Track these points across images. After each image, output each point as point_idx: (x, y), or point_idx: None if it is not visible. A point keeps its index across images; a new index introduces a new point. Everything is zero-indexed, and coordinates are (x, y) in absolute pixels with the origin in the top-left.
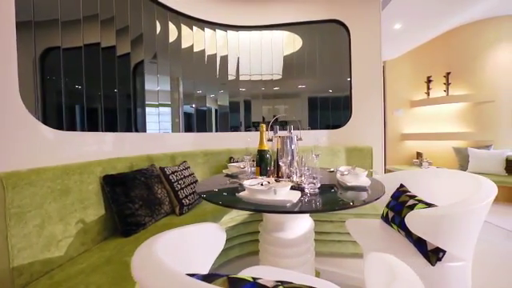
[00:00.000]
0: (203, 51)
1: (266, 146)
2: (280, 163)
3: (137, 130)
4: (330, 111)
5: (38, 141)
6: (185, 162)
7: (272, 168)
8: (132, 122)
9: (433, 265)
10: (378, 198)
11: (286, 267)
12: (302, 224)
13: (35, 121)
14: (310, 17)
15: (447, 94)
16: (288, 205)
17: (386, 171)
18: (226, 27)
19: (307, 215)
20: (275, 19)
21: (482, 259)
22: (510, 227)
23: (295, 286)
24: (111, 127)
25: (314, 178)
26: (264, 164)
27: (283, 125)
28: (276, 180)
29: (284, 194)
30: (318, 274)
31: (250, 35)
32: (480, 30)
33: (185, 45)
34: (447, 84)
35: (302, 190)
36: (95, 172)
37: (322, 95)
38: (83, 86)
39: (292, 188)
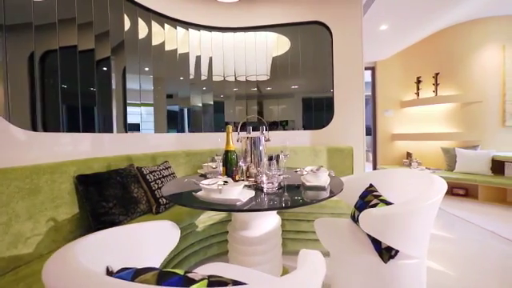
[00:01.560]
0: (187, 54)
1: (233, 146)
2: (240, 163)
3: (126, 129)
4: (314, 112)
5: (7, 142)
6: (166, 162)
7: (237, 168)
8: (112, 121)
9: (385, 262)
10: (325, 199)
11: (253, 265)
12: (269, 222)
13: (5, 122)
14: (293, 19)
15: (436, 95)
16: (238, 203)
17: None
18: (211, 29)
19: (274, 213)
20: (259, 21)
21: (464, 258)
22: (490, 227)
23: (221, 280)
24: (89, 128)
25: (271, 178)
26: (229, 164)
27: (277, 125)
28: (237, 180)
29: (236, 193)
30: (285, 271)
31: (235, 37)
32: (467, 32)
33: (171, 47)
34: (436, 85)
35: (261, 189)
36: (68, 172)
37: (307, 96)
38: (58, 86)
39: (254, 188)
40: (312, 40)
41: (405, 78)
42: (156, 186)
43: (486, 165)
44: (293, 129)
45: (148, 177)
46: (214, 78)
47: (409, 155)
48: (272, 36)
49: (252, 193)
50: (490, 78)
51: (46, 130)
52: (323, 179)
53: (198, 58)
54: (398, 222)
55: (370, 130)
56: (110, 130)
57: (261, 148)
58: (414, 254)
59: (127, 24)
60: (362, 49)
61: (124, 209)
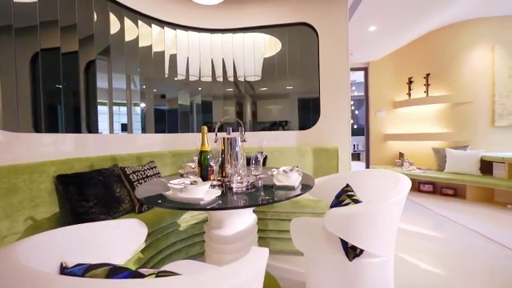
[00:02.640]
0: (175, 55)
1: (208, 147)
2: (211, 163)
3: (111, 130)
4: (302, 112)
5: None
6: (152, 162)
7: (213, 168)
8: (97, 122)
9: (350, 260)
10: (289, 198)
11: (228, 262)
12: (244, 221)
13: None
14: (280, 20)
15: (427, 95)
16: (201, 203)
17: None
18: (200, 30)
19: (250, 212)
20: (246, 23)
21: (450, 258)
22: (475, 227)
23: (167, 273)
24: (72, 128)
25: (241, 178)
26: (204, 164)
27: (274, 125)
28: (212, 179)
29: (200, 192)
30: None
31: (223, 38)
32: (457, 33)
33: (159, 49)
34: (427, 85)
35: (230, 188)
36: (48, 172)
37: (295, 97)
38: (39, 87)
39: (226, 187)
40: (300, 41)
41: (397, 78)
42: (139, 185)
43: (474, 165)
44: (283, 128)
45: (131, 176)
46: (203, 79)
47: (401, 155)
48: (259, 37)
49: (218, 192)
50: (480, 79)
51: (26, 130)
52: (293, 179)
53: (186, 59)
54: (359, 221)
55: (363, 131)
56: (95, 131)
57: (237, 149)
58: (378, 253)
59: (116, 27)
60: (348, 50)
61: (105, 208)
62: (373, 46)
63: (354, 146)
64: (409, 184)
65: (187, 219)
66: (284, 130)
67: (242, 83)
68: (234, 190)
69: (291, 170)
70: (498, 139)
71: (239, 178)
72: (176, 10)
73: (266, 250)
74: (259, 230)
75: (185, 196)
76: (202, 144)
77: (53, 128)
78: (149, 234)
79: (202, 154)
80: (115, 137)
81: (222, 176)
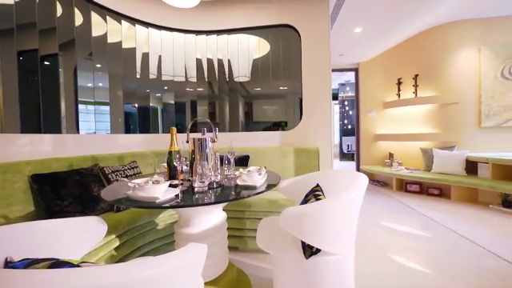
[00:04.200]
0: (159, 56)
1: (176, 147)
2: (175, 163)
3: (95, 131)
4: (286, 113)
5: None
6: (133, 162)
7: (180, 168)
8: (78, 122)
9: (306, 258)
10: (244, 197)
11: None
12: (212, 219)
13: None
14: (264, 22)
15: (416, 96)
16: (157, 201)
17: (360, 171)
18: (185, 32)
19: (219, 210)
20: (230, 24)
21: (433, 258)
22: (453, 226)
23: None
24: (53, 129)
25: (202, 177)
26: (172, 165)
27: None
28: (181, 179)
29: (157, 191)
30: (231, 266)
31: (208, 39)
32: (444, 34)
33: (145, 50)
34: (415, 86)
35: (192, 188)
36: (23, 171)
37: (278, 98)
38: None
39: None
40: (284, 43)
41: (387, 79)
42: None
43: (460, 165)
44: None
45: (110, 176)
46: (190, 79)
47: (391, 156)
48: (244, 39)
49: (177, 191)
50: (467, 80)
51: (2, 131)
52: (255, 179)
53: (171, 60)
54: (310, 219)
55: (354, 131)
56: (75, 131)
57: (207, 149)
58: (333, 251)
59: (102, 30)
60: (330, 51)
61: (82, 207)
62: (362, 47)
63: (348, 146)
64: (364, 184)
65: (165, 218)
66: (271, 130)
67: (226, 84)
68: (196, 189)
69: (259, 170)
70: (485, 140)
71: (201, 177)
72: (161, 11)
73: (203, 247)
74: (237, 229)
75: (142, 195)
76: (171, 144)
77: (31, 128)
78: (125, 232)
79: (170, 154)
80: (97, 137)
81: (192, 176)
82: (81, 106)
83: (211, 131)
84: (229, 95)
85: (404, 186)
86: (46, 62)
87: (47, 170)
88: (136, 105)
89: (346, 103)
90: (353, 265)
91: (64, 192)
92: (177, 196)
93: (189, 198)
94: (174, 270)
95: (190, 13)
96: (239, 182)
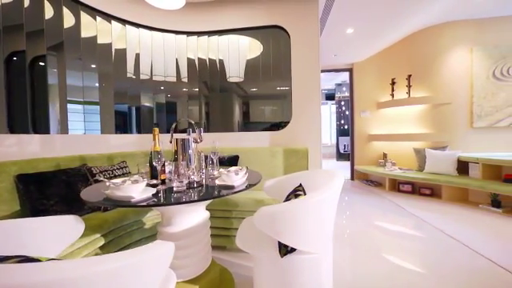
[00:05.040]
0: (150, 56)
1: (158, 147)
2: (154, 163)
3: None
4: (276, 114)
5: None
6: (123, 161)
7: (163, 168)
8: (66, 122)
9: (281, 257)
10: (219, 196)
11: (178, 258)
12: (193, 218)
13: None
14: (255, 23)
15: (409, 96)
16: (132, 200)
17: (355, 171)
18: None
19: (202, 209)
20: (221, 25)
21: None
22: (440, 226)
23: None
24: (42, 129)
25: (181, 177)
26: (153, 165)
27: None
28: (162, 179)
29: (134, 190)
30: (213, 264)
31: (199, 40)
32: (437, 35)
33: (136, 51)
34: (409, 86)
35: (171, 187)
36: (8, 171)
37: (269, 99)
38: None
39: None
40: (274, 43)
41: (381, 79)
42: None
43: (451, 165)
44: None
45: (98, 176)
46: (182, 79)
47: (385, 156)
48: (234, 39)
49: (153, 190)
50: (459, 81)
51: None
52: (233, 179)
53: (162, 60)
54: (282, 218)
55: (349, 131)
56: (65, 131)
57: (190, 150)
58: (307, 250)
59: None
60: (319, 52)
61: (68, 206)
62: (355, 48)
63: (345, 146)
64: (339, 184)
65: (153, 217)
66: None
67: (218, 84)
68: (175, 189)
69: (239, 170)
70: (477, 140)
71: (179, 177)
72: (151, 13)
73: (170, 244)
74: (224, 229)
75: (119, 194)
76: (154, 145)
77: (19, 129)
78: (110, 231)
79: (152, 154)
80: (87, 137)
81: (177, 175)
82: (70, 106)
83: (202, 131)
84: (221, 95)
85: (397, 185)
86: (36, 62)
87: (34, 169)
88: (127, 105)
89: (342, 103)
90: (331, 263)
91: (50, 192)
92: (154, 195)
93: (165, 198)
94: (135, 265)
95: (181, 14)
96: (218, 182)
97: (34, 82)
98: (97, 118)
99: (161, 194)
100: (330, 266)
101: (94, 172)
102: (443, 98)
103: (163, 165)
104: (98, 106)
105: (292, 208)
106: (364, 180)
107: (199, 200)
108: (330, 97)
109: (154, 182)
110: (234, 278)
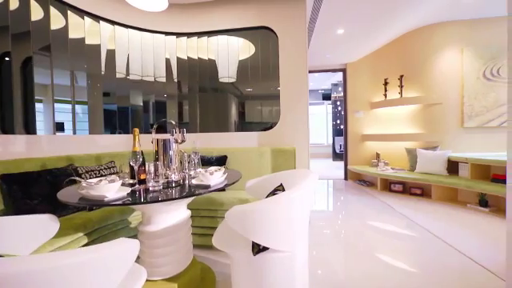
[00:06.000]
0: (139, 57)
1: (137, 148)
2: (130, 163)
3: (74, 131)
4: (265, 114)
5: None
6: (111, 161)
7: (142, 167)
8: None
9: (253, 255)
10: (189, 196)
11: (158, 256)
12: (172, 217)
13: None
14: (243, 24)
15: (401, 96)
16: (105, 199)
17: (348, 171)
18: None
19: (184, 208)
20: (210, 27)
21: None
22: (425, 224)
23: None
24: (28, 129)
25: (156, 177)
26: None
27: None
28: (142, 179)
29: (106, 190)
30: (194, 261)
31: (188, 41)
32: (429, 35)
33: (128, 52)
34: (401, 86)
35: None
36: None
37: (259, 99)
38: None
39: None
40: (263, 44)
41: (374, 79)
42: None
43: (442, 165)
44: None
45: (84, 176)
46: (174, 80)
47: (378, 156)
48: (223, 40)
49: (128, 190)
50: (450, 81)
51: None
52: (207, 178)
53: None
54: (252, 217)
55: (342, 131)
56: (50, 132)
57: (171, 150)
58: (278, 248)
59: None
60: (307, 53)
61: (52, 206)
62: (347, 48)
63: (341, 146)
64: (310, 184)
65: (139, 217)
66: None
67: (211, 84)
68: (150, 188)
69: (217, 170)
70: (467, 140)
71: (155, 177)
72: (141, 14)
73: (134, 242)
74: (210, 228)
75: (93, 193)
76: (133, 145)
77: (5, 129)
78: (95, 230)
79: (132, 154)
80: (75, 137)
81: (157, 175)
82: (60, 106)
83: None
84: (210, 96)
85: (388, 185)
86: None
87: (18, 170)
88: (116, 105)
89: (338, 103)
90: (305, 262)
91: (33, 191)
92: (128, 195)
93: (139, 197)
94: (96, 260)
95: (170, 15)
96: (195, 182)
97: (21, 82)
98: (86, 117)
99: (137, 194)
100: (304, 264)
101: (80, 172)
102: (434, 98)
103: (142, 165)
104: (87, 106)
105: (262, 207)
106: (357, 180)
107: (171, 199)
108: (326, 97)
109: (131, 181)
110: (215, 277)
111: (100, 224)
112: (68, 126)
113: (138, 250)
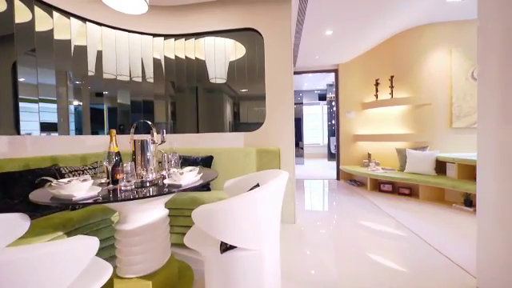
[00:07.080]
0: (128, 57)
1: (115, 148)
2: (104, 163)
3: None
4: (252, 115)
5: None
6: (97, 162)
7: (119, 168)
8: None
9: (221, 253)
10: (161, 194)
11: (134, 254)
12: (148, 215)
13: None
14: (229, 25)
15: (392, 97)
16: (73, 199)
17: (340, 171)
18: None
19: (161, 207)
20: (197, 28)
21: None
22: (409, 224)
23: None
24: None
25: (128, 177)
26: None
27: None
28: (117, 179)
29: (78, 189)
30: (172, 259)
31: (176, 43)
32: (418, 36)
33: (122, 53)
34: (391, 87)
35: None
36: None
37: (246, 100)
38: None
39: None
40: (249, 46)
41: (365, 80)
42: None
43: (430, 165)
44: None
45: (67, 176)
46: (160, 81)
47: (369, 156)
48: (210, 41)
49: (99, 189)
50: (439, 82)
51: None
52: (179, 178)
53: (141, 62)
54: (216, 216)
55: (335, 131)
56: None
57: (148, 151)
58: (244, 247)
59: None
60: (291, 55)
61: (34, 205)
62: (337, 49)
63: (335, 146)
64: (280, 183)
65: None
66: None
67: (198, 85)
68: (122, 188)
69: (192, 170)
70: (456, 140)
71: (127, 177)
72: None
73: (92, 239)
74: (190, 227)
75: (63, 193)
76: (109, 146)
77: None
78: (75, 230)
79: (109, 155)
80: (62, 138)
81: (136, 175)
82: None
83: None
84: (198, 97)
85: (378, 185)
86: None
87: (0, 170)
88: (105, 105)
89: (333, 103)
90: (275, 260)
91: (15, 191)
92: (99, 194)
93: (109, 196)
94: (52, 255)
95: (157, 16)
96: (169, 181)
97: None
98: (72, 118)
99: (107, 193)
100: (275, 262)
101: (64, 172)
102: (424, 99)
103: (118, 165)
104: (80, 106)
105: (227, 206)
106: (348, 180)
107: (139, 198)
108: (321, 97)
109: (102, 181)
110: (194, 275)
111: (81, 223)
112: (55, 126)
113: (97, 246)
